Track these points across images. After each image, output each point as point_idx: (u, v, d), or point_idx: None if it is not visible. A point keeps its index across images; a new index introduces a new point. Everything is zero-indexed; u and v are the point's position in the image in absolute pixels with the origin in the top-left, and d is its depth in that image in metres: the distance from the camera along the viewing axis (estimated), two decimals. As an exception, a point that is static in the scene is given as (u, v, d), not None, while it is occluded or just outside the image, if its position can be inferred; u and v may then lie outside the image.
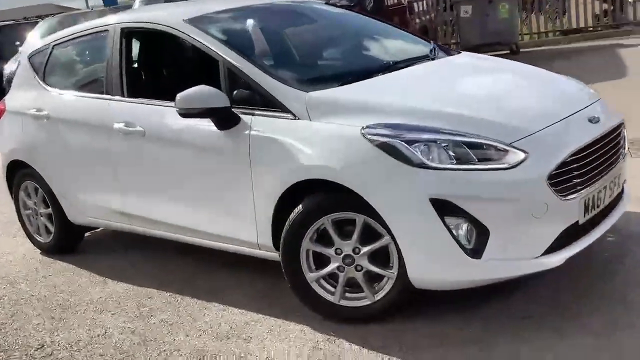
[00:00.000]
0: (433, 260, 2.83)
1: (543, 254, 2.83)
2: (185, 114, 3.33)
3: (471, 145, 2.80)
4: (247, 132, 3.24)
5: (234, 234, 3.46)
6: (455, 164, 2.77)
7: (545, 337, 2.80)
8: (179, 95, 3.30)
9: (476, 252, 2.78)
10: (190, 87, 3.32)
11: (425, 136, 2.83)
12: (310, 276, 3.14)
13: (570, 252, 2.89)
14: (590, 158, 2.94)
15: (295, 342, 3.04)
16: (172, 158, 3.61)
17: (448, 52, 4.03)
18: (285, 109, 3.16)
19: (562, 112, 3.06)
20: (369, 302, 3.08)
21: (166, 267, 4.15)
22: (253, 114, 3.26)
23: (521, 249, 2.81)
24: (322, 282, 3.15)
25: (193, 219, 3.65)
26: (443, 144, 2.80)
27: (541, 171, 2.76)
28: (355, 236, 3.00)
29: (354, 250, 3.03)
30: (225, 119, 3.30)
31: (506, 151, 2.78)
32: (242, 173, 3.27)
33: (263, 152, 3.19)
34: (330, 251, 3.07)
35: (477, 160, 2.78)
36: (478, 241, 2.78)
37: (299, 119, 3.12)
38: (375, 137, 2.86)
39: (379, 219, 2.89)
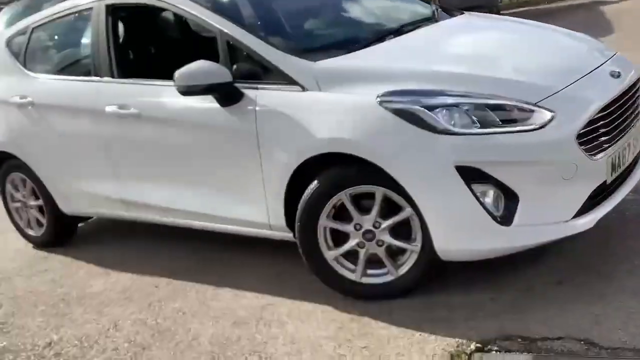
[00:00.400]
0: (461, 230, 2.70)
1: (574, 217, 2.72)
2: (186, 91, 3.14)
3: (494, 107, 2.66)
4: (252, 107, 3.06)
5: (243, 215, 3.30)
6: (479, 128, 2.63)
7: (585, 301, 2.69)
8: (177, 72, 3.11)
9: (506, 219, 2.66)
10: (186, 63, 3.13)
11: (448, 100, 2.68)
12: (329, 254, 3.00)
13: (600, 213, 2.79)
14: (615, 114, 2.83)
15: (320, 323, 2.91)
16: (173, 139, 3.42)
17: (450, 13, 3.87)
18: (292, 81, 2.99)
19: (583, 68, 2.94)
20: (392, 278, 2.96)
21: (169, 254, 3.99)
22: (257, 88, 3.08)
23: (552, 213, 2.70)
24: (342, 259, 3.02)
25: (197, 203, 3.48)
26: (465, 108, 2.66)
27: (570, 130, 2.64)
28: (374, 210, 2.87)
29: (374, 225, 2.89)
30: (228, 95, 3.12)
31: (532, 111, 2.65)
32: (249, 151, 3.10)
33: (271, 127, 3.02)
34: (349, 227, 2.94)
35: (500, 123, 2.64)
36: (507, 207, 2.66)
37: (307, 90, 2.95)
38: (392, 105, 2.71)
39: (400, 190, 2.76)
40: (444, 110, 2.65)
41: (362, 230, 2.91)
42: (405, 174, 2.69)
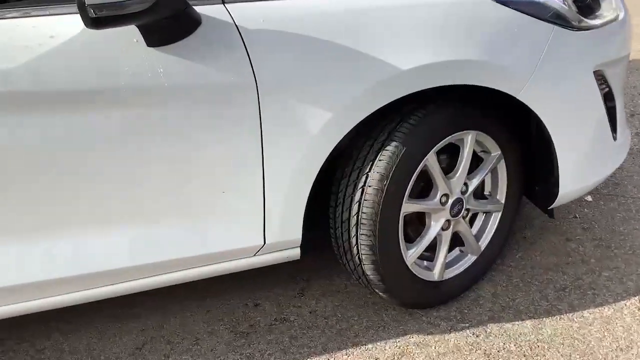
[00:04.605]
0: (592, 158, 2.02)
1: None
2: (104, 17, 1.37)
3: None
4: (234, 40, 1.55)
5: (209, 247, 1.74)
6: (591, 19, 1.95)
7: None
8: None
9: (614, 133, 2.11)
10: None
11: (554, -16, 1.89)
12: (411, 255, 1.89)
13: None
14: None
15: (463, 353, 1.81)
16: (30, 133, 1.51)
17: None
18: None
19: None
20: (475, 258, 2.07)
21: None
22: (224, 2, 1.59)
23: (623, 117, 2.27)
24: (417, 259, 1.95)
25: (120, 253, 1.66)
26: (564, -6, 1.93)
27: (626, 15, 2.21)
28: (462, 166, 1.91)
29: (461, 190, 1.94)
30: (178, 22, 1.51)
31: (599, -2, 2.10)
32: (232, 123, 1.59)
33: (286, 71, 1.60)
34: (433, 204, 1.88)
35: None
36: (611, 120, 2.10)
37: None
38: (506, -4, 1.76)
39: (490, 130, 1.91)
40: (565, -2, 1.87)
41: (451, 201, 1.91)
42: (541, 97, 1.82)
